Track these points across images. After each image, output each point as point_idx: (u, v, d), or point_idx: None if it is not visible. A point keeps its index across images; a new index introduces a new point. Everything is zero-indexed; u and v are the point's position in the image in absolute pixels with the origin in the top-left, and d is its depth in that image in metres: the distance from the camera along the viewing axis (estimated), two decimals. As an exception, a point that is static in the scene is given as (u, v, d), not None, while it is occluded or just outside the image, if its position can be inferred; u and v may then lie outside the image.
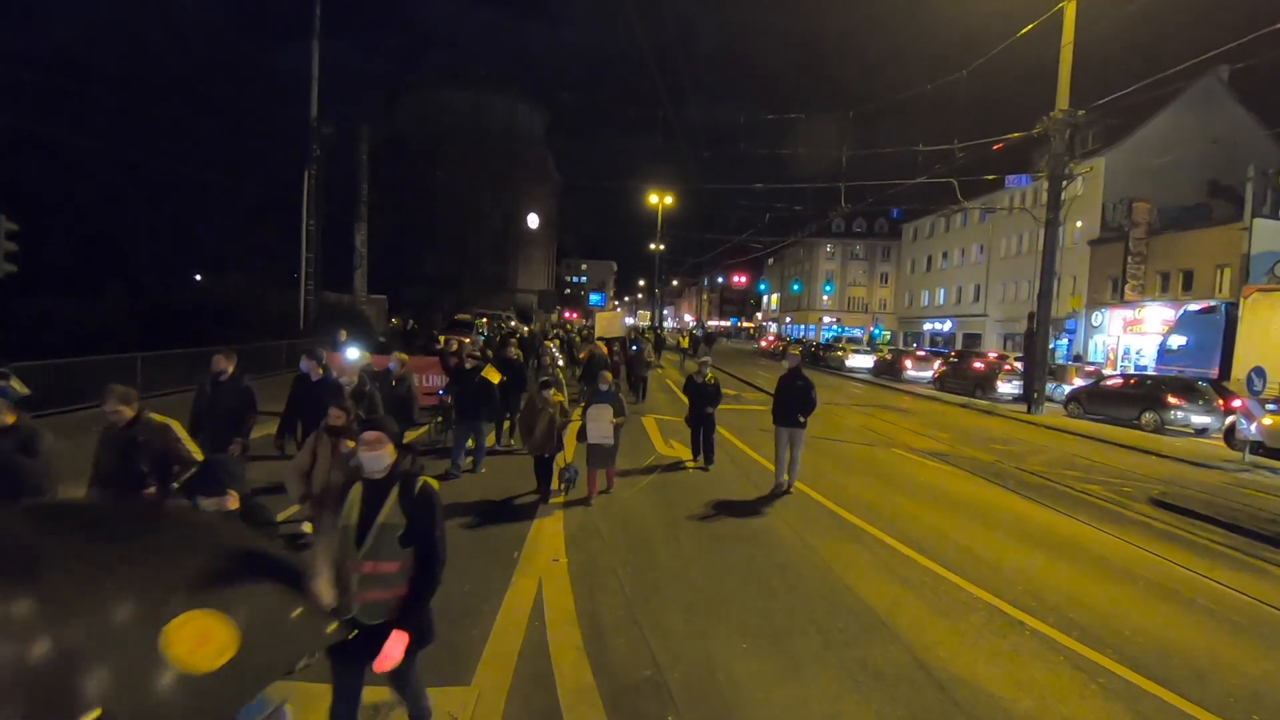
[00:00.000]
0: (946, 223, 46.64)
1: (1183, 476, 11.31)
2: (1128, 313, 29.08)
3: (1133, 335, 28.94)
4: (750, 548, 6.43)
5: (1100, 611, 5.32)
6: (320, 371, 6.80)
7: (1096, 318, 31.15)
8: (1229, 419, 14.69)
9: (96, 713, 1.47)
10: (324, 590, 2.31)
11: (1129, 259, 28.27)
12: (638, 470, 9.34)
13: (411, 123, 43.85)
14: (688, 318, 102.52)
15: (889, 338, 55.40)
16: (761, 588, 5.44)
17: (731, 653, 4.32)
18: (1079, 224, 32.04)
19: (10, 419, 3.87)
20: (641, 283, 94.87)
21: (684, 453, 10.41)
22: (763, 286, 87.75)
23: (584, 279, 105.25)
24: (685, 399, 10.47)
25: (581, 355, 16.72)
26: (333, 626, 2.28)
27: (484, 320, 28.31)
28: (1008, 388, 22.83)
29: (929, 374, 27.84)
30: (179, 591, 1.79)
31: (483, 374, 8.77)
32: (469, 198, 41.03)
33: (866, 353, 35.73)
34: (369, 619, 2.62)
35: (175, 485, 4.13)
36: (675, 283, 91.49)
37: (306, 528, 5.27)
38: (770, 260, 74.82)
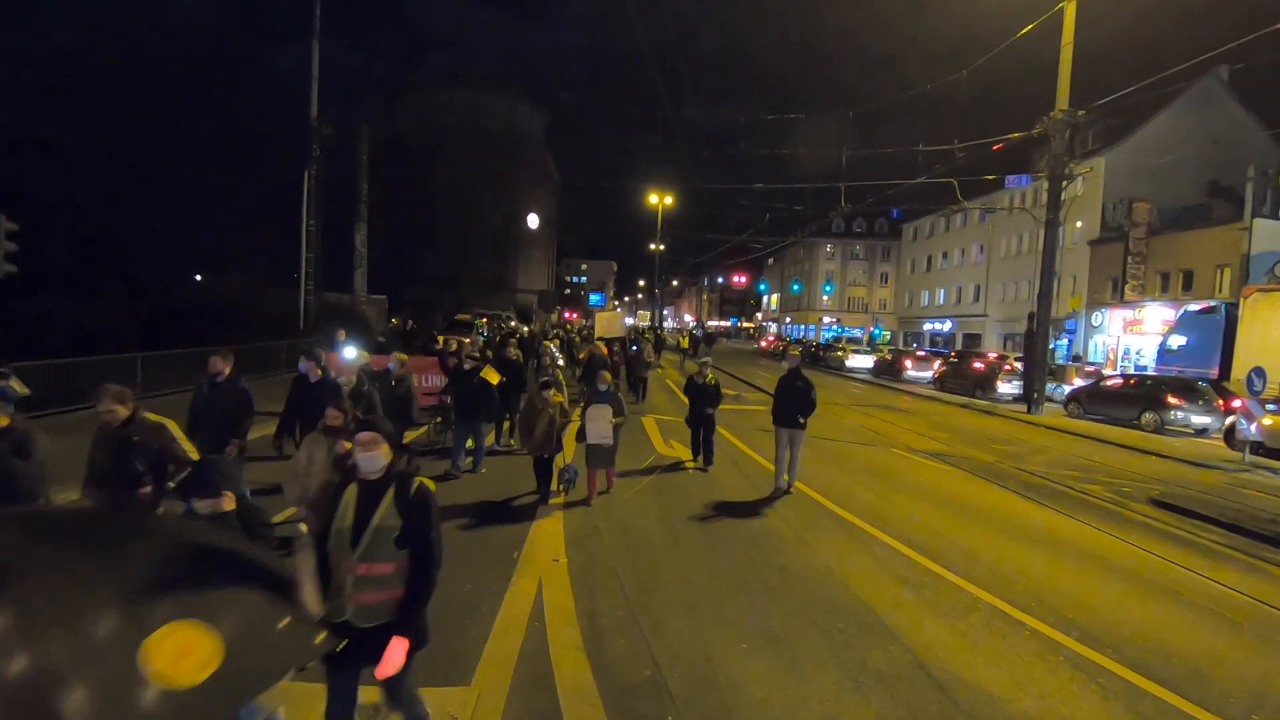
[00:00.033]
0: (946, 223, 46.65)
1: (1183, 477, 11.31)
2: (1128, 313, 29.08)
3: (1133, 335, 28.94)
4: (750, 548, 6.43)
5: (1100, 612, 5.32)
6: (319, 373, 6.78)
7: (1096, 318, 31.15)
8: (1229, 419, 14.69)
9: None
10: (311, 599, 2.28)
11: (1129, 259, 28.27)
12: (638, 471, 9.34)
13: (411, 123, 43.89)
14: (688, 318, 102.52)
15: (889, 338, 55.40)
16: (761, 588, 5.43)
17: (731, 653, 4.32)
18: (1079, 224, 32.05)
19: (4, 421, 3.83)
20: (641, 283, 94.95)
21: (684, 453, 10.41)
22: (763, 286, 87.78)
23: (584, 279, 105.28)
24: (685, 399, 10.46)
25: (581, 355, 16.72)
26: (321, 636, 2.23)
27: (484, 320, 28.31)
28: (1008, 388, 22.83)
29: (929, 374, 27.84)
30: (160, 603, 1.71)
31: (481, 375, 8.76)
32: (469, 198, 41.06)
33: (866, 353, 35.74)
34: (363, 621, 2.59)
35: (171, 485, 4.09)
36: (675, 283, 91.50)
37: (303, 528, 5.27)
38: (770, 260, 74.84)
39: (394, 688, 2.73)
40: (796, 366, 8.76)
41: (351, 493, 2.70)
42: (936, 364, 28.07)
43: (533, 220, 49.71)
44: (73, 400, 9.85)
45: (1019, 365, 23.62)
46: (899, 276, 59.86)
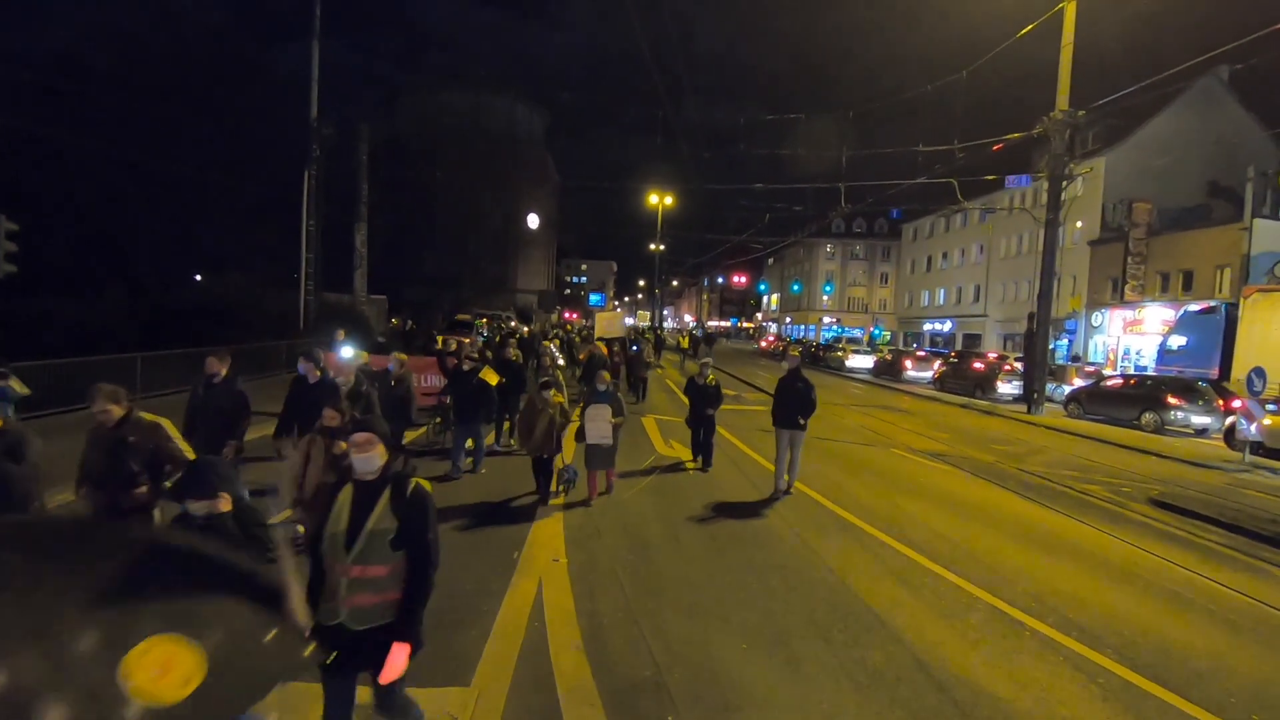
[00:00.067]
0: (946, 223, 46.67)
1: (1182, 477, 11.31)
2: (1128, 313, 29.09)
3: (1133, 335, 28.95)
4: (750, 548, 6.43)
5: (1100, 612, 5.32)
6: (318, 374, 6.76)
7: (1096, 318, 31.16)
8: (1229, 419, 14.69)
9: None
10: (299, 607, 2.20)
11: (1129, 259, 28.28)
12: (638, 471, 9.34)
13: (412, 123, 43.86)
14: (688, 318, 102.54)
15: (889, 338, 55.43)
16: (761, 588, 5.44)
17: (731, 653, 4.32)
18: (1079, 224, 32.06)
19: None
20: (641, 283, 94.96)
21: (684, 453, 10.41)
22: (763, 287, 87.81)
23: (584, 279, 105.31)
24: (686, 400, 10.46)
25: (581, 356, 16.73)
26: (309, 648, 2.16)
27: (484, 320, 28.31)
28: (1008, 388, 22.84)
29: (929, 374, 27.85)
30: (140, 616, 1.64)
31: (480, 375, 8.76)
32: (469, 198, 41.04)
33: (866, 353, 35.75)
34: (357, 624, 2.56)
35: (167, 485, 4.05)
36: (675, 283, 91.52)
37: (300, 530, 5.27)
38: (770, 260, 74.86)
39: (387, 692, 2.68)
40: (796, 367, 8.76)
41: (346, 494, 2.66)
42: (936, 364, 28.08)
43: (533, 220, 49.69)
44: (73, 400, 9.85)
45: (1019, 365, 23.63)
46: (899, 276, 59.88)
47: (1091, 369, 25.91)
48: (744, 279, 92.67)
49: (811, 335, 62.47)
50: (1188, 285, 26.75)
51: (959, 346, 41.85)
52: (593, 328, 21.79)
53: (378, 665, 2.58)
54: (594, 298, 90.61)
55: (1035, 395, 18.74)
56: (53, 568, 1.68)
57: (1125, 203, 29.16)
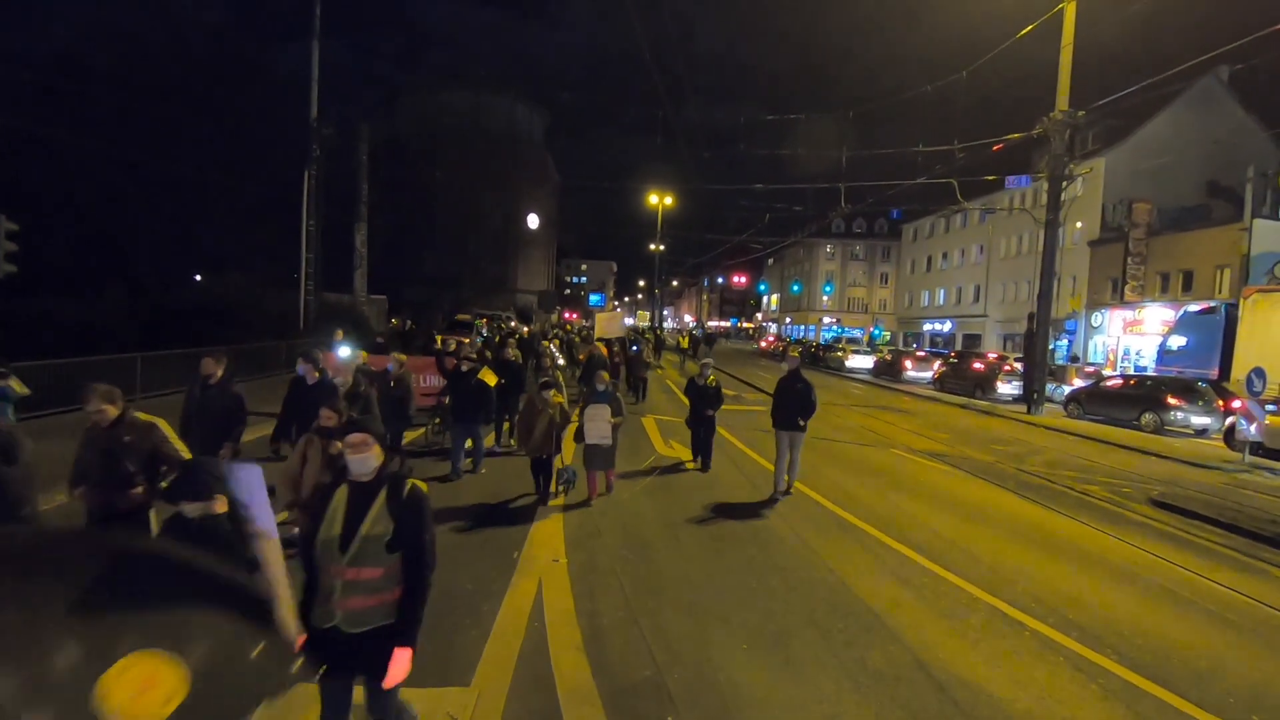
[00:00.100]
0: (946, 223, 46.68)
1: (1182, 477, 11.31)
2: (1127, 313, 29.09)
3: (1132, 336, 28.95)
4: (750, 548, 6.43)
5: (1100, 612, 5.32)
6: (316, 375, 6.76)
7: (1096, 318, 31.17)
8: (1229, 420, 14.69)
9: None
10: (288, 620, 2.14)
11: (1129, 260, 28.28)
12: (638, 471, 9.34)
13: (412, 123, 43.91)
14: (688, 318, 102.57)
15: (889, 338, 55.43)
16: (761, 588, 5.44)
17: (731, 653, 4.32)
18: (1079, 225, 32.06)
19: None
20: (641, 283, 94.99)
21: (684, 453, 10.41)
22: (763, 287, 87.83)
23: (584, 279, 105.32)
24: (686, 400, 10.46)
25: (581, 356, 16.74)
26: (297, 664, 2.08)
27: (483, 321, 28.32)
28: (1007, 388, 22.84)
29: (929, 374, 27.86)
30: (120, 632, 1.55)
31: (479, 376, 8.75)
32: (469, 198, 41.07)
33: (866, 353, 35.75)
34: (352, 627, 2.52)
35: (163, 485, 4.02)
36: (675, 283, 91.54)
37: (296, 532, 5.26)
38: (770, 261, 74.88)
39: (381, 695, 2.64)
40: (796, 368, 8.74)
41: (341, 495, 2.62)
42: (936, 364, 28.09)
43: (533, 220, 49.71)
44: (73, 400, 9.80)
45: (1019, 366, 23.63)
46: (899, 277, 59.89)
47: (1091, 369, 25.92)
48: (744, 279, 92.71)
49: (811, 335, 62.47)
50: (1188, 286, 26.75)
51: (959, 347, 41.87)
52: (592, 328, 21.79)
53: (373, 669, 2.55)
54: (594, 298, 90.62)
55: (1035, 395, 18.74)
56: (25, 580, 1.58)
57: (1125, 203, 29.16)
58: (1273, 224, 23.31)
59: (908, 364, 30.12)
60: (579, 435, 7.66)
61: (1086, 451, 13.73)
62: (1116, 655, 4.56)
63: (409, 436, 9.76)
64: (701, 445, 9.72)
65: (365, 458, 2.61)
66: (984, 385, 23.59)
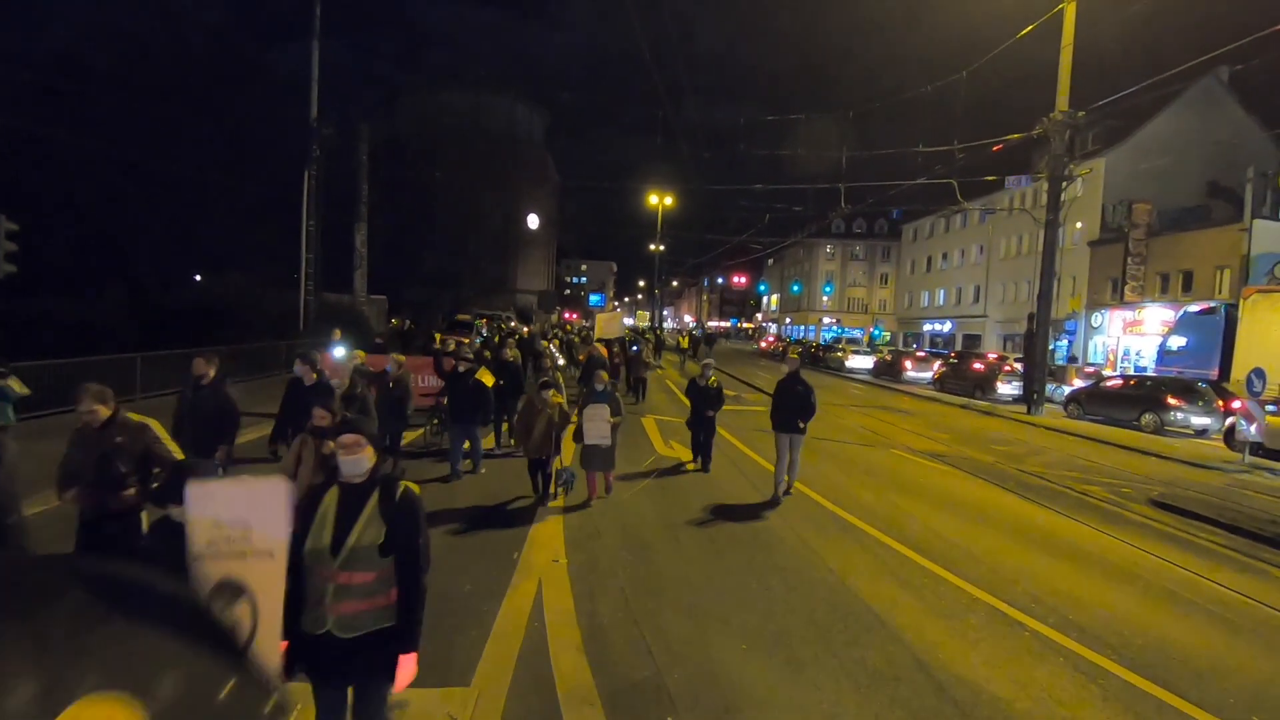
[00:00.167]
0: (946, 223, 46.68)
1: (1182, 478, 11.31)
2: (1127, 314, 29.10)
3: (1132, 336, 28.96)
4: (750, 549, 6.43)
5: (1100, 613, 5.32)
6: (314, 376, 6.74)
7: (1096, 319, 31.17)
8: (1229, 420, 14.69)
9: None
10: (268, 654, 2.02)
11: (1129, 260, 28.29)
12: (638, 471, 9.34)
13: (411, 123, 43.87)
14: (688, 318, 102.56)
15: (889, 338, 55.43)
16: (761, 588, 5.44)
17: (731, 653, 4.32)
18: (1079, 225, 32.07)
19: None
20: (641, 283, 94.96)
21: (684, 454, 10.41)
22: (762, 287, 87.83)
23: (584, 279, 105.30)
24: (686, 401, 10.46)
25: (581, 357, 16.74)
26: (271, 702, 1.92)
27: (483, 321, 28.31)
28: (1007, 389, 22.84)
29: (929, 375, 27.87)
30: (77, 670, 1.40)
31: (476, 376, 8.74)
32: (469, 198, 41.04)
33: (866, 353, 35.75)
34: (345, 632, 2.45)
35: (154, 486, 3.96)
36: (675, 283, 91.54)
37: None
38: (770, 261, 74.87)
39: (371, 703, 2.60)
40: (796, 370, 8.69)
41: (332, 496, 2.55)
42: (936, 365, 28.11)
43: (533, 220, 49.69)
44: (72, 401, 9.84)
45: (1019, 366, 23.63)
46: (899, 277, 59.91)
47: (1091, 370, 25.92)
48: (744, 279, 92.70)
49: (811, 336, 62.48)
50: (1187, 286, 26.76)
51: (959, 347, 41.86)
52: (592, 328, 21.79)
53: (368, 674, 2.53)
54: (594, 298, 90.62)
55: (1035, 396, 18.75)
56: None
57: (1125, 203, 29.17)
58: (1273, 224, 23.31)
59: (908, 364, 30.13)
60: (578, 435, 7.64)
61: (1086, 452, 13.73)
62: (1116, 655, 4.56)
63: (408, 437, 9.75)
64: (701, 446, 9.72)
65: (358, 459, 2.55)
66: (984, 385, 23.59)
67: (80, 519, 4.04)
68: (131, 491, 3.98)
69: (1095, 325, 31.25)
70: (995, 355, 28.70)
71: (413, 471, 8.56)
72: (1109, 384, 19.77)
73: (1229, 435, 14.15)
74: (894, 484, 9.61)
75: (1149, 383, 18.92)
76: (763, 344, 55.84)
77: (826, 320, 66.09)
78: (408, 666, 2.52)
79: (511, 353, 11.81)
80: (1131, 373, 25.63)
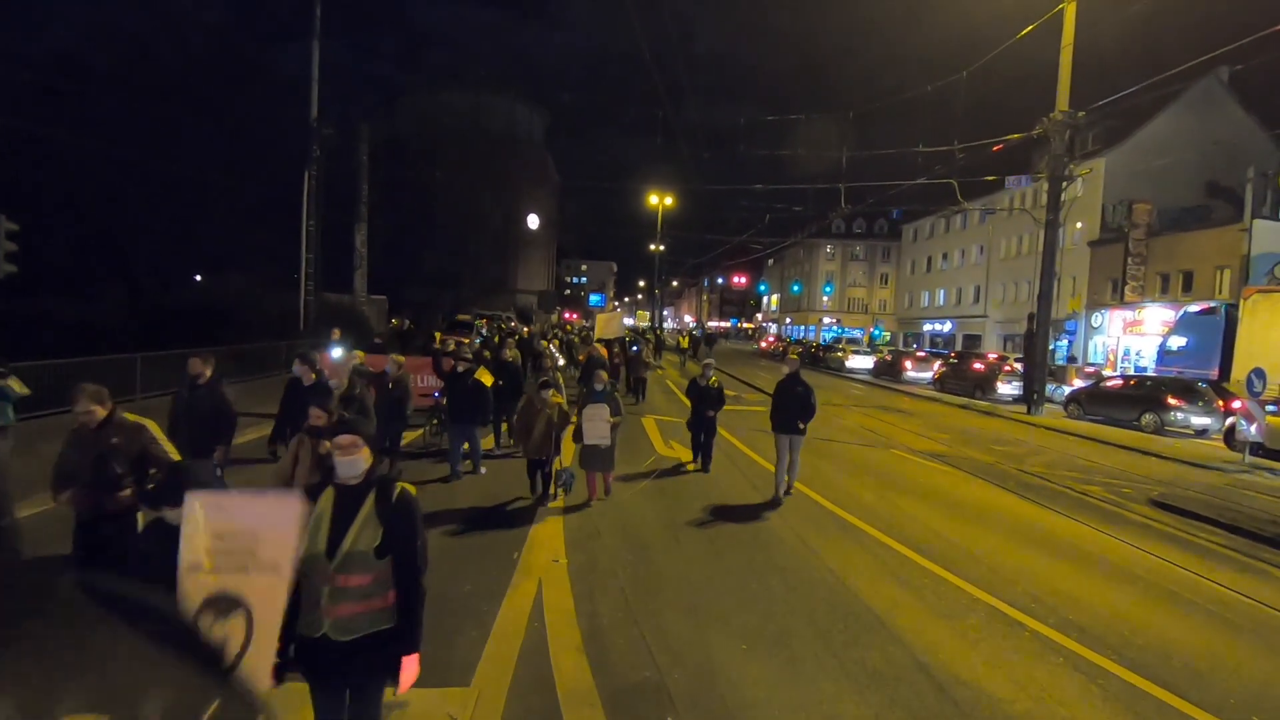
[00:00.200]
0: (946, 224, 46.68)
1: (1182, 478, 11.31)
2: (1127, 314, 29.09)
3: (1132, 336, 28.95)
4: (750, 549, 6.43)
5: (1100, 613, 5.32)
6: (313, 376, 6.73)
7: (1096, 319, 31.17)
8: (1229, 420, 14.69)
9: None
10: (259, 671, 1.95)
11: (1129, 260, 28.29)
12: (638, 472, 9.34)
13: (412, 123, 43.90)
14: (688, 318, 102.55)
15: (889, 339, 55.43)
16: (761, 589, 5.44)
17: (731, 654, 4.32)
18: (1079, 225, 32.07)
19: None
20: (641, 283, 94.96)
21: (684, 454, 10.41)
22: (763, 287, 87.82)
23: (584, 280, 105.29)
24: (686, 401, 10.46)
25: (580, 357, 16.73)
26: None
27: (483, 321, 28.31)
28: (1007, 389, 22.85)
29: (929, 375, 27.87)
30: (58, 692, 1.34)
31: (475, 376, 8.73)
32: (469, 198, 41.06)
33: (866, 354, 35.77)
34: (342, 635, 2.42)
35: (150, 487, 3.99)
36: (675, 283, 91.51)
37: None
38: (770, 261, 74.86)
39: (367, 707, 2.58)
40: (796, 371, 8.65)
41: (328, 498, 2.51)
42: (936, 365, 28.11)
43: (533, 221, 49.70)
44: (70, 401, 9.84)
45: (1019, 366, 23.63)
46: (899, 277, 59.91)
47: (1091, 370, 25.92)
48: (744, 279, 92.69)
49: (811, 336, 62.48)
50: (1188, 286, 26.76)
51: (959, 347, 41.86)
52: (592, 328, 21.78)
53: (365, 676, 2.52)
54: (594, 298, 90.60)
55: (1035, 396, 18.75)
56: None
57: (1125, 203, 29.17)
58: (1273, 224, 23.32)
59: (908, 364, 30.14)
60: (577, 435, 7.62)
61: (1086, 452, 13.73)
62: (1116, 655, 4.56)
63: (408, 437, 9.75)
64: (702, 446, 9.71)
65: (354, 460, 2.52)
66: (984, 386, 23.59)
67: (76, 520, 4.03)
68: (127, 493, 3.96)
69: (1095, 325, 31.25)
70: (995, 355, 28.71)
71: (413, 472, 8.57)
72: (1109, 384, 19.77)
73: (1229, 435, 14.15)
74: (894, 484, 9.61)
75: (1149, 383, 18.92)
76: (763, 344, 55.84)
77: (826, 320, 66.08)
78: (411, 667, 2.51)
79: (511, 353, 11.80)
80: (1131, 373, 25.62)
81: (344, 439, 2.53)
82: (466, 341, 14.98)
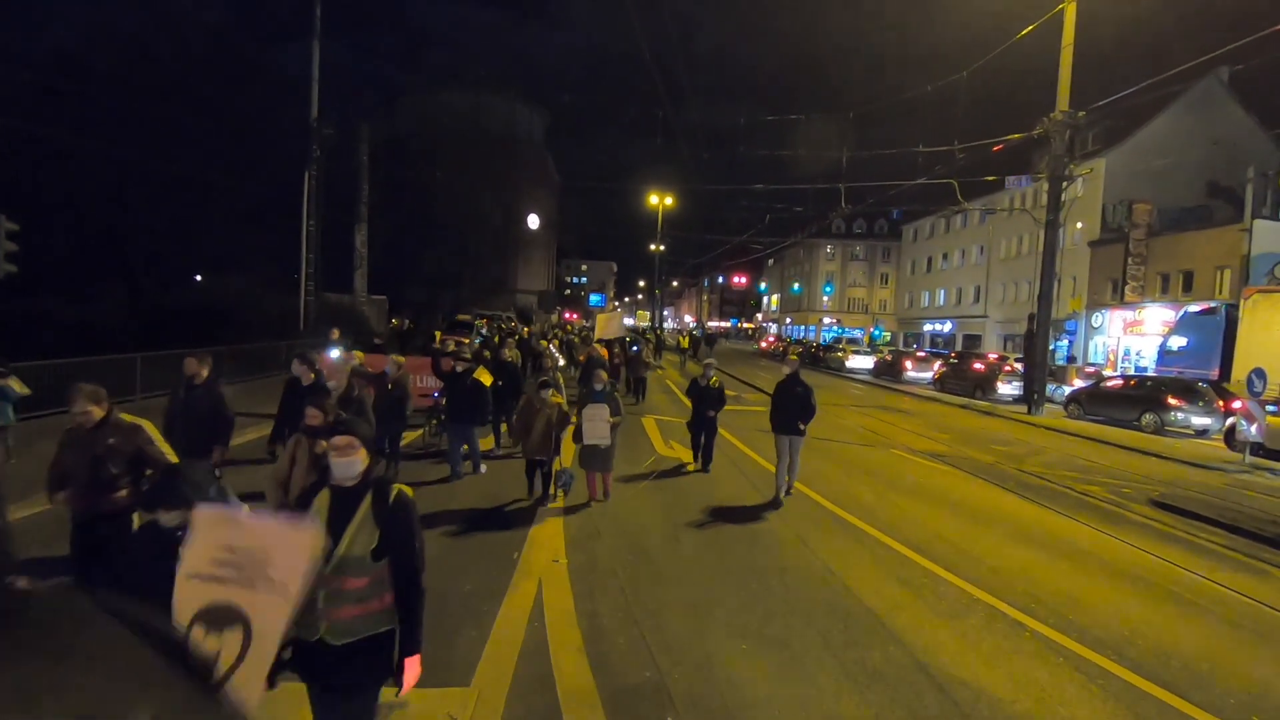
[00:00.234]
0: (946, 224, 46.69)
1: (1183, 478, 11.31)
2: (1128, 314, 29.09)
3: (1133, 336, 28.95)
4: (750, 549, 6.43)
5: (1100, 612, 5.32)
6: (312, 376, 6.72)
7: (1096, 319, 31.17)
8: (1229, 420, 14.69)
9: None
10: (250, 688, 1.88)
11: (1129, 260, 28.29)
12: (638, 472, 9.34)
13: (412, 123, 43.86)
14: (688, 318, 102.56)
15: (889, 339, 55.43)
16: (761, 589, 5.43)
17: (731, 653, 4.32)
18: (1079, 225, 32.07)
19: None
20: (641, 283, 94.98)
21: (684, 454, 10.40)
22: (763, 288, 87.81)
23: (584, 280, 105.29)
24: (687, 401, 10.45)
25: (580, 357, 16.73)
26: None
27: (483, 321, 28.32)
28: (1008, 389, 22.84)
29: (929, 375, 27.87)
30: (31, 709, 1.27)
31: (474, 376, 8.73)
32: (469, 198, 41.02)
33: (867, 354, 35.77)
34: (338, 639, 2.40)
35: (144, 489, 3.91)
36: (675, 283, 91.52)
37: None
38: (770, 261, 74.86)
39: (362, 707, 2.57)
40: (795, 371, 8.62)
41: (323, 500, 2.48)
42: (936, 365, 28.11)
43: (533, 221, 49.67)
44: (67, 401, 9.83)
45: (1019, 366, 23.64)
46: (899, 277, 59.92)
47: (1091, 370, 25.92)
48: (744, 279, 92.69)
49: (811, 336, 62.48)
50: (1188, 286, 26.76)
51: (959, 347, 41.87)
52: (592, 328, 21.78)
53: (363, 680, 2.50)
54: (594, 298, 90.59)
55: (1035, 396, 18.75)
56: None
57: (1125, 204, 29.17)
58: (1273, 224, 23.31)
59: (908, 364, 30.14)
60: (577, 436, 7.60)
61: (1087, 452, 13.72)
62: (1116, 656, 4.55)
63: (408, 438, 9.75)
64: (703, 446, 9.71)
65: (350, 461, 2.49)
66: (984, 386, 23.59)
67: (73, 521, 4.02)
68: (123, 493, 3.95)
69: (1095, 325, 31.25)
70: (995, 355, 28.73)
71: (413, 472, 8.57)
72: (1109, 384, 19.77)
73: (1229, 435, 14.15)
74: (894, 484, 9.61)
75: (1149, 383, 18.91)
76: (763, 344, 55.85)
77: (827, 320, 66.09)
78: (413, 669, 2.51)
79: (510, 353, 11.79)
80: (1132, 373, 25.63)
81: (340, 440, 2.49)
82: (466, 341, 14.98)
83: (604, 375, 8.29)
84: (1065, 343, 31.94)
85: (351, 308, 20.70)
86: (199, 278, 34.25)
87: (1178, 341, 24.78)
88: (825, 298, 67.31)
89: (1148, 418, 17.08)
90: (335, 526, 2.42)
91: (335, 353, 9.48)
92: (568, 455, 7.98)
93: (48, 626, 1.38)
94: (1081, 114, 17.70)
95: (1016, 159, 26.70)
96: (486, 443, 10.01)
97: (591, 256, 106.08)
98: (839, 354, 35.94)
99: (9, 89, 24.92)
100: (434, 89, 48.79)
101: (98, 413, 3.95)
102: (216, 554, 2.29)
